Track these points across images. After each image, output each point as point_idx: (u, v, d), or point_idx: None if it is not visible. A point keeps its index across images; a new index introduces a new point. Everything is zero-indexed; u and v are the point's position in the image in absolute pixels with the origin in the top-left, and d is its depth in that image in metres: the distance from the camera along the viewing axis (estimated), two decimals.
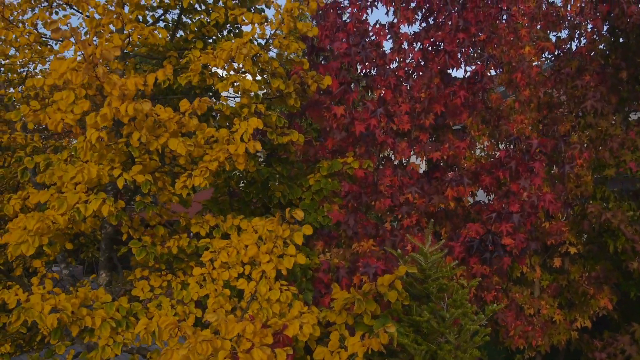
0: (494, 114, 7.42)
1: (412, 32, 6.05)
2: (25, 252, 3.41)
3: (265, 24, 4.33)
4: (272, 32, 4.29)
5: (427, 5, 6.42)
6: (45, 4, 4.85)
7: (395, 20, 7.09)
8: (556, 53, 8.19)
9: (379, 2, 6.69)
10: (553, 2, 8.68)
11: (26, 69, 4.99)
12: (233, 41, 4.31)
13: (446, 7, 6.47)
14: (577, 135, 8.18)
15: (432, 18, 6.66)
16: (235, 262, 3.92)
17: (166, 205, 4.85)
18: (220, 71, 6.98)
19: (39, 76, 5.50)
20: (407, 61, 6.52)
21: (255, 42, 4.36)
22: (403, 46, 6.64)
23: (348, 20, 6.46)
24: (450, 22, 6.48)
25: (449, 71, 6.60)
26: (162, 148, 3.82)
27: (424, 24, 6.80)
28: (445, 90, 5.99)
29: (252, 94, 4.35)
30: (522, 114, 7.41)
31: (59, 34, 3.31)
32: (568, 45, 8.38)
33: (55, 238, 3.72)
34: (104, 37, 3.94)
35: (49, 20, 4.34)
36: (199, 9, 4.44)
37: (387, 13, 6.85)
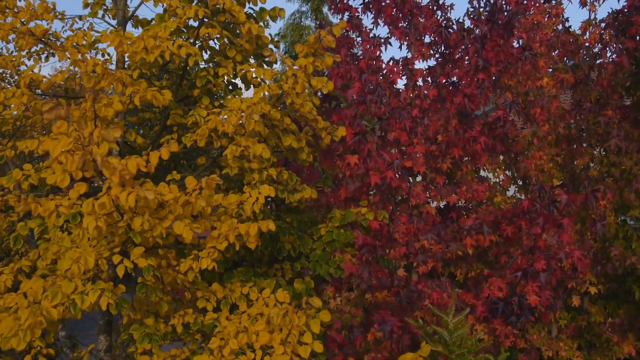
0: (511, 151, 7.09)
1: (427, 66, 5.75)
2: (16, 346, 3.09)
3: (277, 82, 4.00)
4: (284, 91, 3.96)
5: (443, 41, 6.09)
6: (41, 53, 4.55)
7: (409, 55, 6.76)
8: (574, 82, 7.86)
9: (393, 37, 6.37)
10: (569, 26, 8.35)
11: (20, 124, 4.67)
12: (242, 96, 3.99)
13: (463, 41, 6.14)
14: (597, 170, 7.86)
15: (447, 52, 6.33)
16: (246, 347, 3.60)
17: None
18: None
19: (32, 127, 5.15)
20: (422, 98, 6.20)
21: (266, 93, 4.04)
22: (418, 83, 6.31)
23: (360, 55, 6.13)
24: (467, 57, 6.15)
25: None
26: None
27: (437, 55, 6.47)
28: (464, 135, 5.67)
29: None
30: (541, 150, 7.08)
31: (52, 114, 2.99)
32: (586, 74, 8.05)
33: (49, 326, 3.40)
34: (102, 101, 3.62)
35: (44, 80, 4.03)
36: (204, 65, 4.10)
37: (400, 47, 6.52)
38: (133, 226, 3.11)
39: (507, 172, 8.04)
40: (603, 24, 8.01)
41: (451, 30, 6.07)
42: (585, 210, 5.23)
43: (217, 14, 3.81)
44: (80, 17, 4.75)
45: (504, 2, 5.71)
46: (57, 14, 4.70)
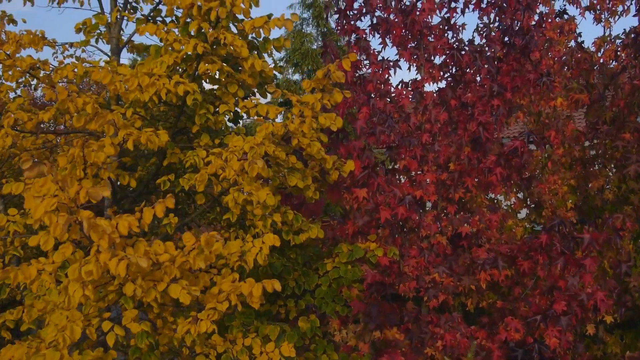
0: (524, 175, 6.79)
1: (437, 88, 5.46)
2: None
3: (284, 119, 3.70)
4: (290, 130, 3.66)
5: (455, 63, 5.79)
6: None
7: (418, 77, 6.46)
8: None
9: (402, 59, 6.06)
10: (582, 41, 8.05)
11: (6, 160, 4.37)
12: (245, 134, 3.69)
13: (475, 62, 5.84)
14: (613, 192, 7.56)
15: (459, 73, 6.02)
16: None
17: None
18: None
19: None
20: (433, 122, 5.90)
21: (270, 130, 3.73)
22: (427, 106, 6.01)
23: (368, 78, 5.82)
24: (479, 77, 5.85)
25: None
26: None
27: (447, 75, 6.17)
28: (478, 165, 5.37)
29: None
30: (555, 174, 6.79)
31: (34, 171, 2.69)
32: (601, 93, 7.75)
33: None
34: (92, 146, 3.32)
35: (31, 119, 3.73)
36: (204, 102, 3.80)
37: (409, 68, 6.22)
38: (125, 291, 2.81)
39: (518, 194, 7.75)
40: (619, 41, 7.72)
41: (463, 52, 5.77)
42: (607, 245, 4.93)
43: (218, 47, 3.51)
44: (71, 45, 4.45)
45: (516, 21, 5.41)
46: (48, 41, 4.40)
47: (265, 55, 4.23)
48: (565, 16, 8.04)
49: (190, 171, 3.87)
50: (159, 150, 4.11)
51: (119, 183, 4.05)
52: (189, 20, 3.52)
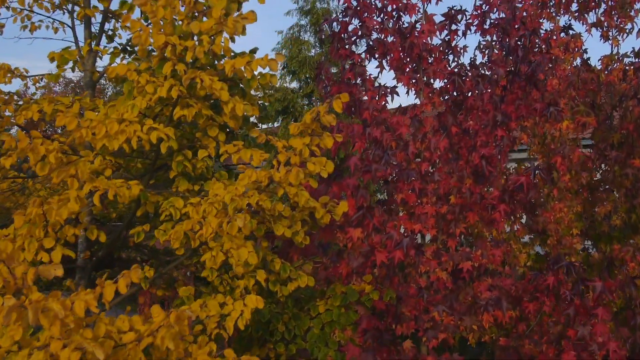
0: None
1: (437, 113, 5.16)
2: None
3: (268, 167, 3.36)
4: (275, 181, 3.32)
5: (456, 89, 5.46)
6: None
7: (417, 101, 6.12)
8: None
9: (399, 83, 5.74)
10: (588, 58, 7.72)
11: None
12: (225, 181, 3.36)
13: (478, 87, 5.51)
14: (621, 218, 7.22)
15: (460, 98, 5.69)
16: None
17: None
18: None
19: None
20: (432, 150, 5.57)
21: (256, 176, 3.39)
22: (427, 133, 5.68)
23: (364, 104, 5.49)
24: (481, 103, 5.52)
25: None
26: None
27: (447, 97, 5.83)
28: (481, 201, 5.04)
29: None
30: (561, 202, 6.45)
31: None
32: (608, 115, 7.41)
33: None
34: (53, 204, 2.99)
35: None
36: (181, 147, 3.47)
37: (407, 93, 5.89)
38: None
39: (522, 220, 7.42)
40: (627, 60, 7.38)
41: (465, 78, 5.44)
42: (621, 292, 4.60)
43: (194, 89, 3.19)
44: (42, 77, 4.12)
45: (521, 45, 5.08)
46: (15, 74, 4.06)
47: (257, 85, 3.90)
48: (571, 31, 7.71)
49: (167, 220, 3.54)
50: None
51: (87, 239, 3.72)
52: (164, 57, 3.19)
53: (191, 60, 3.11)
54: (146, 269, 3.50)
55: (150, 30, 3.00)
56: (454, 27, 5.57)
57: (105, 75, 4.38)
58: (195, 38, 3.10)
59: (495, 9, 5.73)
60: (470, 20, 5.63)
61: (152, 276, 3.49)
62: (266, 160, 3.42)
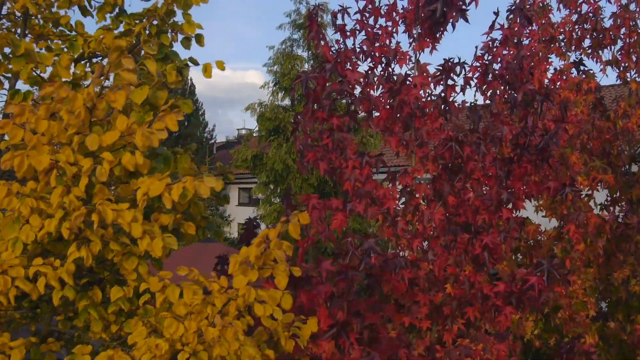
0: None
1: (431, 177, 4.36)
2: None
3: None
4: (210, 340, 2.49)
5: (453, 156, 4.63)
6: None
7: (409, 166, 5.29)
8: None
9: (388, 146, 4.92)
10: (601, 98, 6.89)
11: None
12: (150, 322, 2.53)
13: (478, 150, 4.67)
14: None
15: (458, 161, 4.85)
16: None
17: None
18: None
19: None
20: (426, 223, 4.74)
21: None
22: (419, 206, 4.86)
23: (345, 173, 4.67)
24: (482, 169, 4.69)
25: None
26: None
27: (441, 161, 4.99)
28: (482, 299, 4.21)
29: None
30: (575, 274, 5.63)
31: None
32: (627, 166, 6.58)
33: None
34: None
35: None
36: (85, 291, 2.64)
37: (397, 154, 5.07)
38: None
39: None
40: None
41: (464, 143, 4.62)
42: None
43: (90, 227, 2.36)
44: None
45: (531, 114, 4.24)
46: None
47: None
48: (582, 67, 6.87)
49: None
50: None
51: None
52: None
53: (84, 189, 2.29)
54: None
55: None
56: (450, 82, 4.74)
57: None
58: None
59: (499, 59, 4.90)
60: (470, 74, 4.80)
61: None
62: (203, 298, 2.57)
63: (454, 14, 4.64)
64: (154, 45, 2.65)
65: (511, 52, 4.94)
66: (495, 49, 4.87)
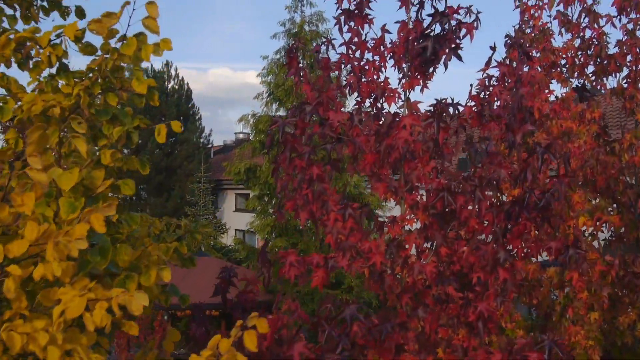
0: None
1: (422, 225, 3.99)
2: None
3: None
4: None
5: (445, 206, 4.23)
6: None
7: (400, 213, 4.88)
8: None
9: (375, 192, 4.51)
10: (606, 128, 6.48)
11: None
12: None
13: (473, 196, 4.27)
14: None
15: (451, 208, 4.45)
16: None
17: None
18: None
19: None
20: (416, 277, 4.34)
21: None
22: (408, 258, 4.45)
23: (327, 227, 4.28)
24: (479, 210, 4.29)
25: None
26: None
27: (433, 211, 4.59)
28: None
29: None
30: (578, 324, 5.23)
31: None
32: (634, 203, 6.16)
33: None
34: None
35: None
36: None
37: (385, 199, 4.67)
38: None
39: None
40: None
41: (457, 192, 4.22)
42: None
43: None
44: None
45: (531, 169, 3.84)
46: None
47: None
48: (586, 93, 6.45)
49: None
50: None
51: None
52: None
53: None
54: None
55: None
56: (442, 124, 4.34)
57: None
58: None
59: (496, 98, 4.51)
60: (465, 116, 4.40)
61: None
62: None
63: (447, 51, 4.24)
64: (83, 124, 2.24)
65: (510, 87, 4.55)
66: (491, 88, 4.48)
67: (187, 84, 37.04)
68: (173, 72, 36.53)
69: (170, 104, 34.51)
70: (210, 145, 38.45)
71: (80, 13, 3.04)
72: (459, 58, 4.20)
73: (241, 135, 40.56)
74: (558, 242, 3.75)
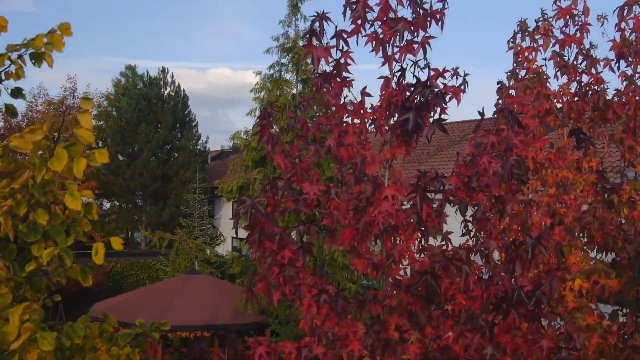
0: None
1: (405, 304, 3.70)
2: None
3: None
4: None
5: (428, 288, 3.91)
6: None
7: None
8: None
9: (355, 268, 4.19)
10: (604, 171, 6.15)
11: None
12: None
13: (460, 272, 3.95)
14: None
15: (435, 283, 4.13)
16: None
17: None
18: None
19: None
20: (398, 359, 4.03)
21: None
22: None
23: (300, 312, 3.96)
24: (466, 285, 3.98)
25: None
26: None
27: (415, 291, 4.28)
28: None
29: None
30: None
31: None
32: (631, 259, 5.84)
33: None
34: None
35: None
36: None
37: (362, 276, 4.35)
38: None
39: None
40: None
41: (440, 277, 3.90)
42: None
43: None
44: None
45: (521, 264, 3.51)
46: None
47: None
48: (582, 136, 6.12)
49: None
50: None
51: None
52: None
53: None
54: None
55: None
56: (427, 198, 4.01)
57: None
58: None
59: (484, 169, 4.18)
60: (451, 188, 4.08)
61: None
62: None
63: (431, 122, 3.92)
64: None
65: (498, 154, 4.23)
66: (479, 157, 4.15)
67: (184, 90, 36.70)
68: (169, 79, 36.18)
69: (166, 111, 34.14)
70: (207, 152, 38.04)
71: (12, 113, 2.73)
72: (444, 130, 3.87)
73: (238, 141, 40.20)
74: (550, 340, 3.43)
